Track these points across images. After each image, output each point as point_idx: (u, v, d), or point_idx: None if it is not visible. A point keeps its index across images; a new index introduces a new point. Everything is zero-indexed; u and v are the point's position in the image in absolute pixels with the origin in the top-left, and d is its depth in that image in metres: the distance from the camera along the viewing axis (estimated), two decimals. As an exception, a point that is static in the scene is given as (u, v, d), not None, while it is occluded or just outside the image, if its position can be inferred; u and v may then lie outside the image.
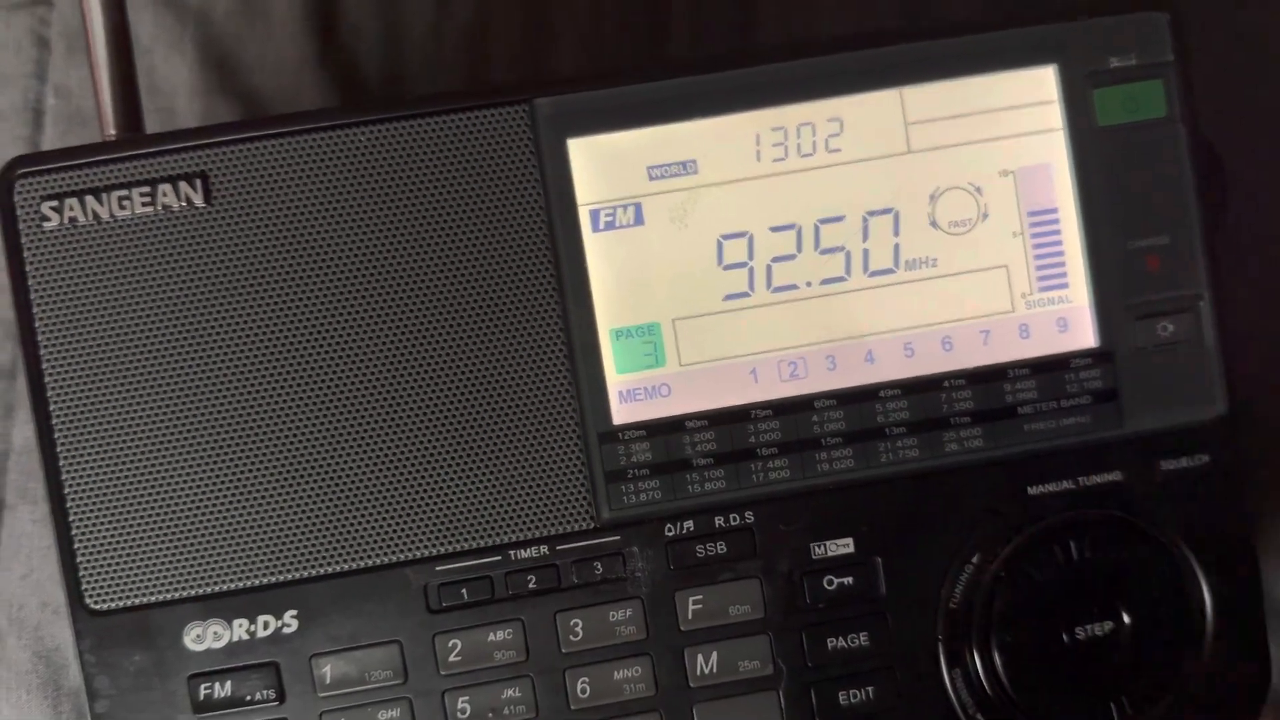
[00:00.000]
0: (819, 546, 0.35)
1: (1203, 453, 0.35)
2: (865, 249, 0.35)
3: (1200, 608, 0.35)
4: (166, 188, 0.34)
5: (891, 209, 0.35)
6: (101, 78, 0.37)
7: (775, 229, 0.35)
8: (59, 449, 0.34)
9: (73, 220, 0.34)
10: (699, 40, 0.49)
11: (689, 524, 0.35)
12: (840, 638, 0.35)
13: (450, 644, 0.34)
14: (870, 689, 0.35)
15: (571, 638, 0.34)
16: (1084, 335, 0.35)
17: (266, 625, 0.34)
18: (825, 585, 0.35)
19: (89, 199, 0.34)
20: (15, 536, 0.44)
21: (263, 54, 0.48)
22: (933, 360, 0.35)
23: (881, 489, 0.35)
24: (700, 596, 0.35)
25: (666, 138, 0.35)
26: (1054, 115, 0.35)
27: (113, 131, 0.37)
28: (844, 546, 0.35)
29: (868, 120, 0.35)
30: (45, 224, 0.34)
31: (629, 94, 0.34)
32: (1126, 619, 0.35)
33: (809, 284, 0.35)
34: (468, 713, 0.34)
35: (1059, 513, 0.34)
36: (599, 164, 0.35)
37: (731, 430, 0.35)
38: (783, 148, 0.35)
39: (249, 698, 0.34)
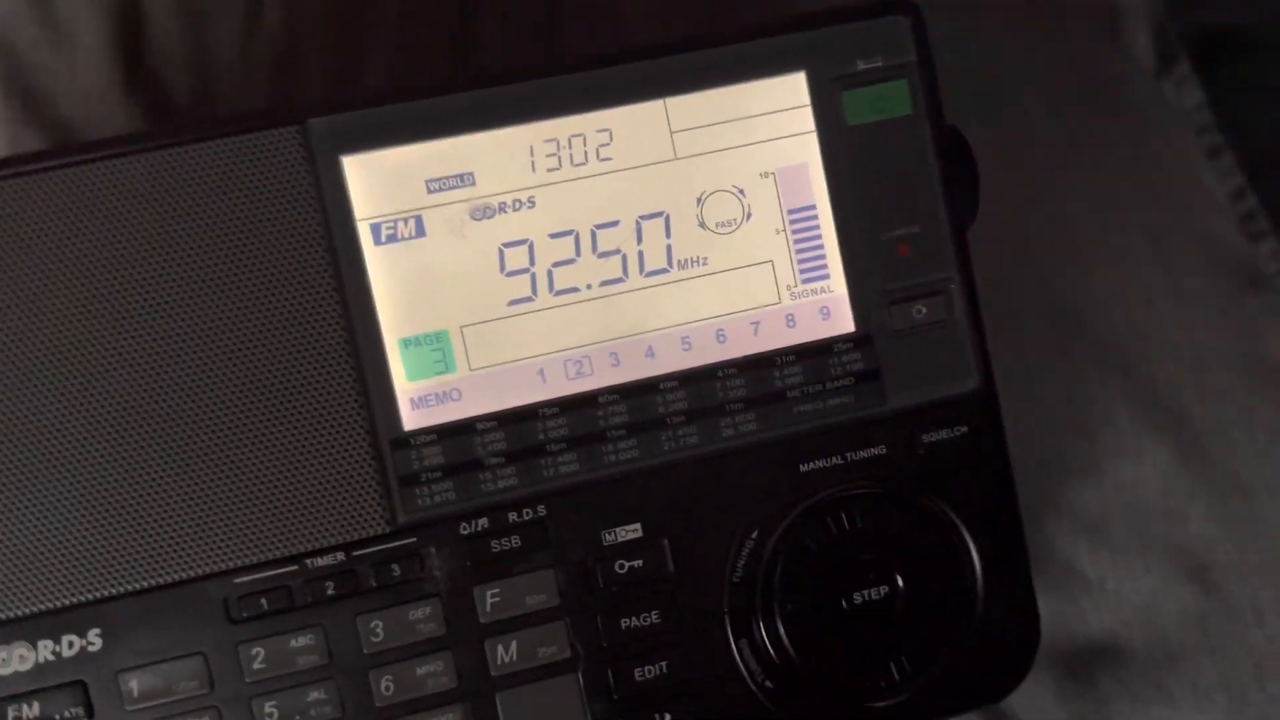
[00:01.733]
0: (609, 533, 0.37)
1: (961, 424, 0.38)
2: (640, 251, 0.37)
3: (970, 569, 0.38)
4: None
5: (662, 212, 0.37)
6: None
7: (554, 235, 0.37)
8: None
9: None
10: (508, 49, 0.50)
11: (483, 521, 0.36)
12: (633, 617, 0.37)
13: (253, 652, 0.35)
14: (664, 664, 0.37)
15: (373, 639, 0.36)
16: (844, 321, 0.38)
17: (71, 645, 0.35)
18: (617, 569, 0.37)
19: None
20: None
21: (70, 82, 0.48)
22: (708, 352, 0.37)
23: (665, 475, 0.37)
24: (497, 590, 0.36)
25: (443, 152, 0.36)
26: (807, 118, 0.38)
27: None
28: (633, 532, 0.37)
29: (635, 130, 0.37)
30: None
31: (401, 111, 0.36)
32: (900, 583, 0.37)
33: (589, 286, 0.37)
34: (275, 716, 0.35)
35: (829, 487, 0.37)
36: (376, 180, 0.36)
37: (521, 429, 0.37)
38: (556, 158, 0.37)
39: (57, 716, 0.35)
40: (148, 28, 0.49)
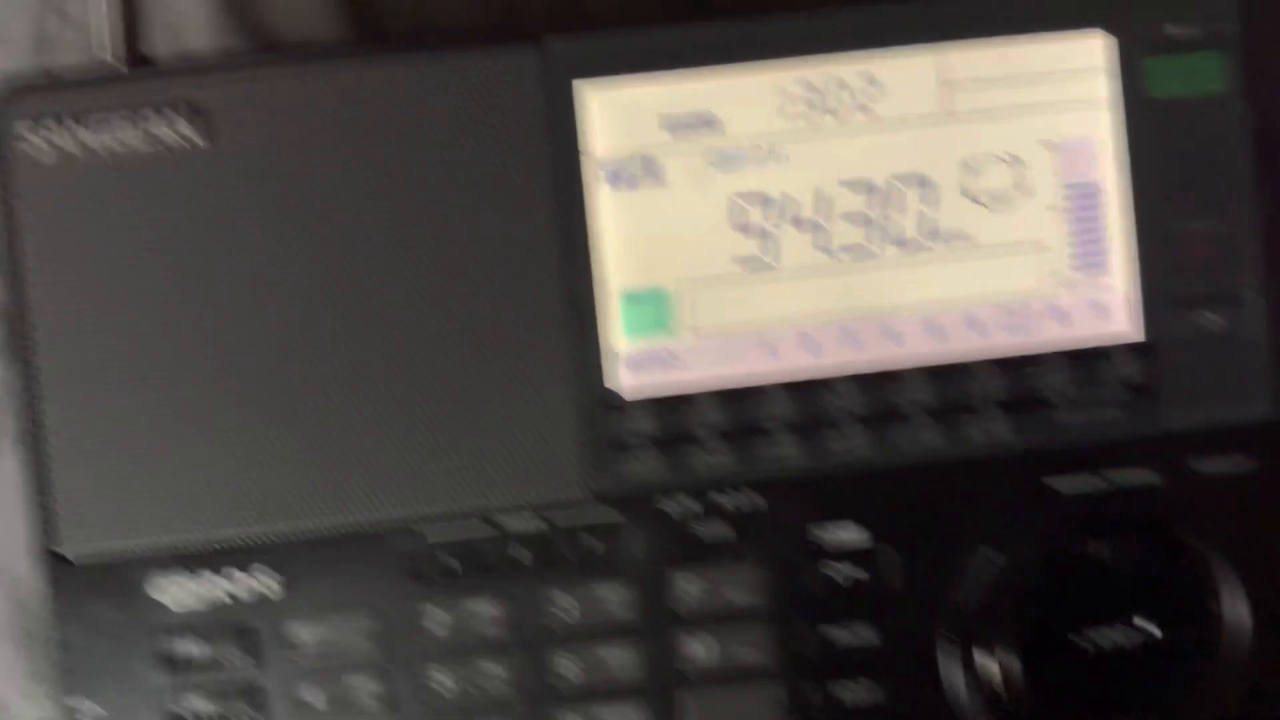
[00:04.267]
0: (827, 533, 0.33)
1: (1245, 456, 0.33)
2: (892, 217, 0.33)
3: (1239, 622, 0.33)
4: (165, 124, 0.33)
5: (922, 176, 0.33)
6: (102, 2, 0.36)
7: (797, 192, 0.33)
8: (42, 389, 0.33)
9: (65, 153, 0.32)
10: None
11: (690, 502, 0.33)
12: (844, 629, 0.33)
13: (432, 614, 0.32)
14: (877, 688, 0.33)
15: (559, 614, 0.33)
16: (1123, 323, 0.33)
17: (244, 584, 0.33)
18: (832, 575, 0.33)
19: (81, 131, 0.33)
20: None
21: (283, -8, 0.47)
22: (959, 341, 0.33)
23: (897, 476, 0.33)
24: (698, 579, 0.33)
25: (685, 88, 0.33)
26: (1102, 84, 0.33)
27: (110, 60, 0.35)
28: (853, 534, 0.33)
29: (901, 79, 0.33)
30: (35, 155, 0.32)
31: (649, 38, 0.32)
32: (1155, 630, 0.32)
33: (830, 253, 0.33)
34: (447, 686, 0.32)
35: (1086, 511, 0.32)
36: (611, 113, 0.33)
37: (742, 405, 0.33)
38: (809, 104, 0.33)
39: (222, 658, 0.33)
40: (366, -57, 0.47)
